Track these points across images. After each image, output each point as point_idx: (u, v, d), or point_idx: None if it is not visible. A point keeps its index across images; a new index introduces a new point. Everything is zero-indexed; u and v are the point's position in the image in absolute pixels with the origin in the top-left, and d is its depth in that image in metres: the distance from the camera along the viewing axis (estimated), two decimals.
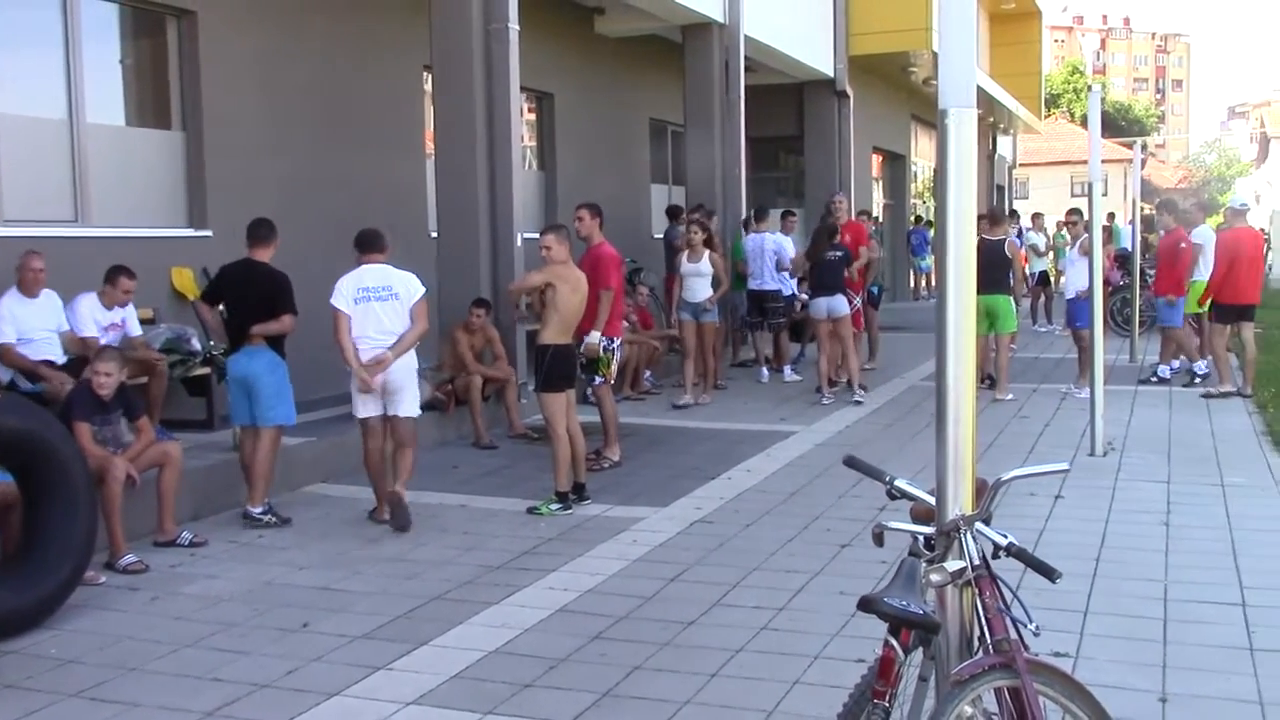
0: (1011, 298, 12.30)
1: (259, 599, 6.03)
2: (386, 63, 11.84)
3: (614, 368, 9.12)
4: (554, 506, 7.70)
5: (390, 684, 4.85)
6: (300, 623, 5.62)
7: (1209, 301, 12.21)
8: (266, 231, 7.71)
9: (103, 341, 7.77)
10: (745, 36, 15.80)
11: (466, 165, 10.68)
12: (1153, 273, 15.98)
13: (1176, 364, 13.95)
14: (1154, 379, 13.09)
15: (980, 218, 13.37)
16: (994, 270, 12.02)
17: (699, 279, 12.00)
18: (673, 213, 14.89)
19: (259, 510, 7.49)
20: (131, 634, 5.51)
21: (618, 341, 9.19)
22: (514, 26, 10.71)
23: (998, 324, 12.02)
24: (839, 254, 12.28)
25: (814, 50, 19.34)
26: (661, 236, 15.47)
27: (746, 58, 16.13)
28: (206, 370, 8.91)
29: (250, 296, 7.56)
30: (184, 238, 9.81)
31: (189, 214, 9.95)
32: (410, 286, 7.55)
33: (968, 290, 3.10)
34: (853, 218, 15.06)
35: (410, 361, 7.63)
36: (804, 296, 15.51)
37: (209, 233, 9.85)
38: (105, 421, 6.80)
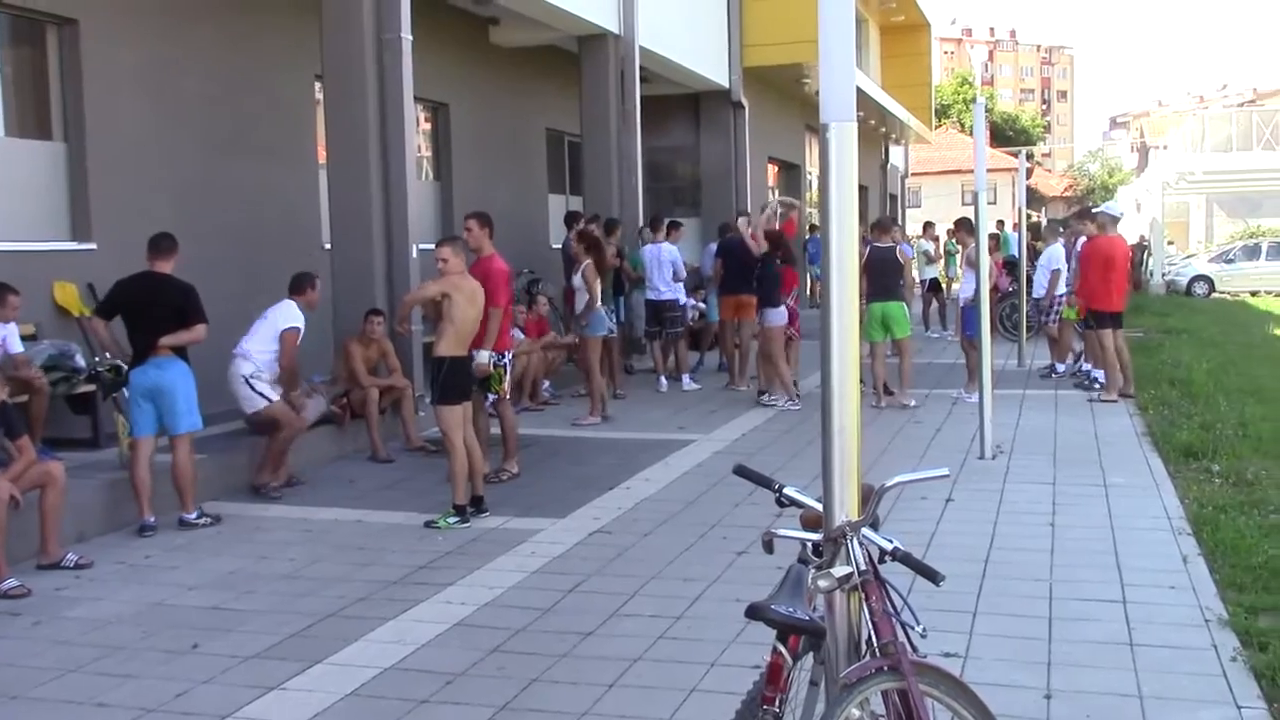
0: (905, 304, 12.52)
1: (147, 621, 5.89)
2: (276, 72, 11.67)
3: (507, 382, 9.03)
4: (452, 520, 7.65)
5: (283, 704, 4.77)
6: (190, 644, 5.50)
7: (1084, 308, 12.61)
8: (169, 244, 7.86)
9: None
10: (640, 47, 15.91)
11: (360, 176, 10.56)
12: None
13: (1065, 365, 14.40)
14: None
15: (872, 225, 13.58)
16: (888, 277, 12.25)
17: (578, 292, 11.90)
18: (571, 218, 14.90)
19: (193, 515, 7.70)
20: (13, 660, 5.35)
21: (509, 355, 9.12)
22: (406, 37, 10.62)
23: (894, 330, 12.22)
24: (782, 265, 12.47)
25: (709, 61, 19.52)
26: (560, 246, 15.45)
27: (642, 68, 16.23)
28: (91, 388, 8.68)
29: (158, 308, 7.68)
30: (67, 251, 9.53)
31: (72, 227, 9.68)
32: (274, 316, 8.84)
33: (850, 299, 3.16)
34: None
35: (233, 369, 8.68)
36: (702, 306, 15.68)
37: (93, 246, 9.60)
38: None
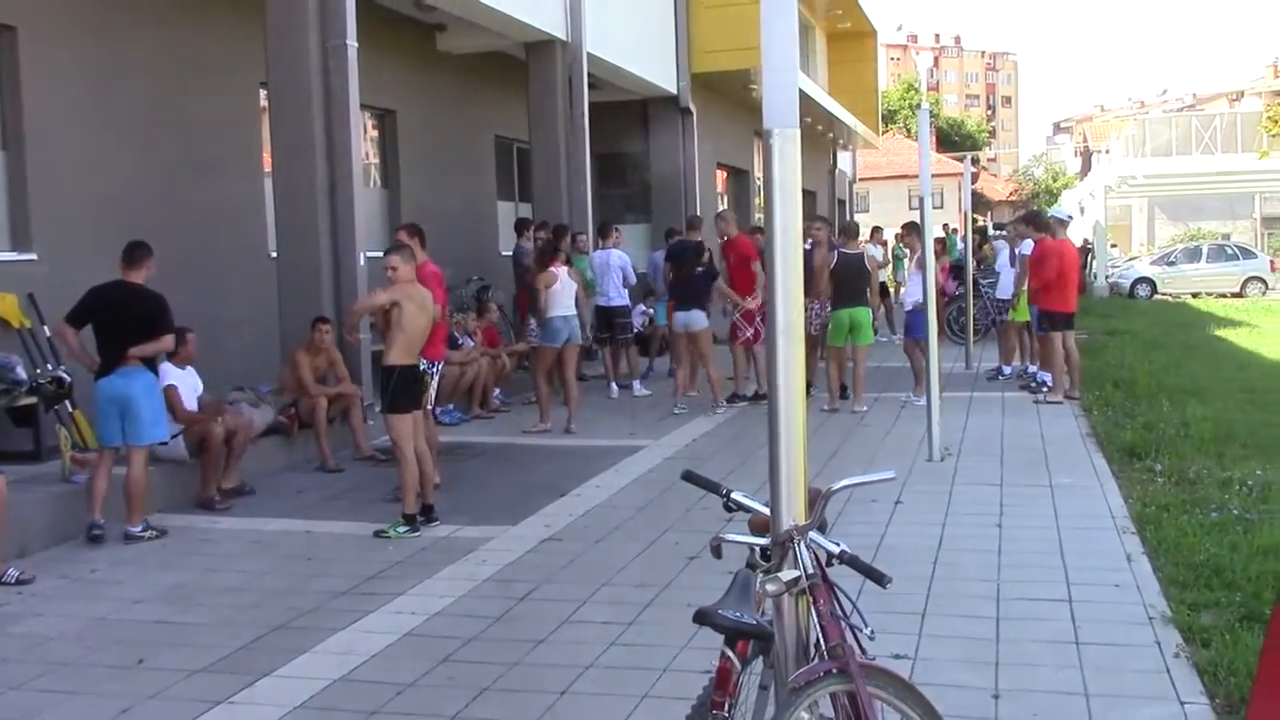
0: (870, 310, 12.58)
1: (91, 636, 5.80)
2: (221, 79, 11.53)
3: (431, 392, 8.90)
4: (401, 529, 7.60)
5: (231, 718, 4.72)
6: (136, 659, 5.42)
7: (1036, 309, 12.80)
8: (142, 253, 7.80)
9: None
10: (588, 54, 15.90)
11: (306, 184, 10.47)
12: (987, 282, 16.66)
13: (1011, 368, 14.58)
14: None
15: (839, 231, 13.67)
16: (856, 283, 12.33)
17: None
18: (521, 225, 14.84)
19: (139, 529, 7.57)
20: None
21: (438, 366, 9.03)
22: (352, 44, 10.55)
23: (856, 336, 12.28)
24: (701, 270, 12.46)
25: (657, 67, 19.55)
26: (510, 254, 15.41)
27: (590, 75, 16.23)
28: (33, 400, 8.54)
29: (128, 318, 7.62)
30: (6, 261, 9.37)
31: (11, 237, 9.53)
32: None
33: (795, 305, 3.18)
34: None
35: None
36: (651, 312, 15.70)
37: (34, 256, 9.45)
38: None
